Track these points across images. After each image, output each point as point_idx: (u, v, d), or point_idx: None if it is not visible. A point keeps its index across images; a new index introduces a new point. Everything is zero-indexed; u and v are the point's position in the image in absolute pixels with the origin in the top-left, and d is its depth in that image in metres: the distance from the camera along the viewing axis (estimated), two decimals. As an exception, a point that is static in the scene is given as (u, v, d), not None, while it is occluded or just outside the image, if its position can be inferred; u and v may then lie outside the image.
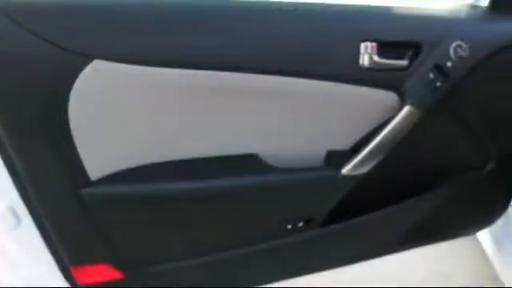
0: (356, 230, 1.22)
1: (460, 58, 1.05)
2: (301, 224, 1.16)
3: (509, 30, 1.12)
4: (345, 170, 1.09)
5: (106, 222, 1.04)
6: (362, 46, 1.00)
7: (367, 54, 1.00)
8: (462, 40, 1.06)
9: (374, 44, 1.00)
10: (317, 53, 0.99)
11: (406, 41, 1.05)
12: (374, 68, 1.01)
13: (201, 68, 0.93)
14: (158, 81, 0.92)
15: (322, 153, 1.12)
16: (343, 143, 1.12)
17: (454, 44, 1.05)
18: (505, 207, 1.42)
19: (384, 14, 1.07)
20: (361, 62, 1.00)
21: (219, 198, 1.07)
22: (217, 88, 0.96)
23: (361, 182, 1.13)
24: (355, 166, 1.09)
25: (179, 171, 1.03)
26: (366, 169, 1.10)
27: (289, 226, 1.16)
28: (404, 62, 1.04)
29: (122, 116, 0.94)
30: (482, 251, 1.68)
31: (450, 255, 1.93)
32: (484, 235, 1.64)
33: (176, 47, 0.92)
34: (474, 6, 1.16)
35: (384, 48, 1.02)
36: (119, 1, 0.91)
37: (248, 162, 1.05)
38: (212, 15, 0.95)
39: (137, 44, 0.90)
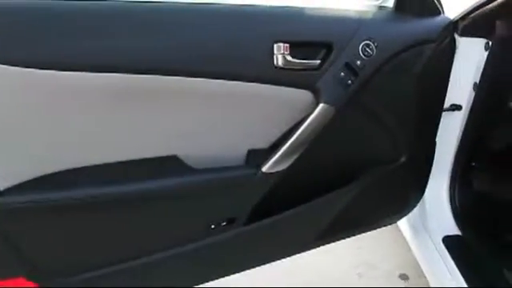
0: (279, 227, 1.25)
1: (368, 56, 1.11)
2: (224, 223, 1.17)
3: (412, 30, 1.19)
4: (264, 168, 1.11)
5: (17, 234, 0.99)
6: (275, 46, 1.02)
7: (280, 55, 1.02)
8: (369, 39, 1.11)
9: (287, 44, 1.03)
10: (231, 54, 1.00)
11: (317, 41, 1.09)
12: (287, 68, 1.04)
13: (113, 71, 0.91)
14: (69, 85, 0.89)
15: (243, 152, 1.13)
16: (263, 142, 1.14)
17: (363, 43, 1.11)
18: (420, 196, 1.51)
19: (296, 15, 1.10)
20: (275, 62, 1.03)
21: (139, 202, 1.05)
22: (130, 91, 0.94)
23: (281, 179, 1.15)
24: (274, 164, 1.12)
25: (95, 176, 1.00)
26: (284, 166, 1.13)
27: (212, 226, 1.16)
28: (316, 62, 1.07)
29: (28, 122, 0.90)
30: (404, 239, 1.77)
31: (374, 245, 2.02)
32: (403, 224, 1.72)
33: (85, 50, 0.89)
34: (380, 7, 1.22)
35: (297, 48, 1.05)
36: (21, 4, 0.87)
37: (168, 164, 1.04)
38: (123, 18, 0.94)
39: (42, 48, 0.86)
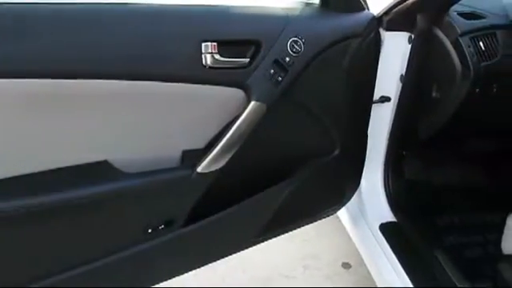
0: (218, 226, 1.24)
1: (297, 53, 1.13)
2: (162, 227, 1.15)
3: (338, 25, 1.22)
4: (200, 168, 1.11)
5: None
6: (203, 45, 1.02)
7: (208, 54, 1.02)
8: (297, 36, 1.13)
9: (215, 43, 1.03)
10: (158, 55, 0.99)
11: (245, 39, 1.09)
12: (216, 67, 1.04)
13: (36, 77, 0.87)
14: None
15: (177, 153, 1.12)
16: (197, 142, 1.13)
17: (291, 40, 1.12)
18: (356, 186, 1.56)
19: (223, 13, 1.11)
20: (203, 61, 1.02)
21: (70, 211, 1.02)
22: (54, 96, 0.90)
23: (218, 179, 1.15)
24: (209, 163, 1.11)
25: (23, 187, 0.96)
26: (220, 165, 1.13)
27: (150, 230, 1.14)
28: (246, 60, 1.08)
29: None
30: (345, 229, 1.82)
31: (318, 236, 2.07)
32: (343, 214, 1.77)
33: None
34: (306, 4, 1.25)
35: (225, 47, 1.05)
36: None
37: (98, 170, 1.02)
38: (42, 19, 0.90)
39: None
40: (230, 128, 1.11)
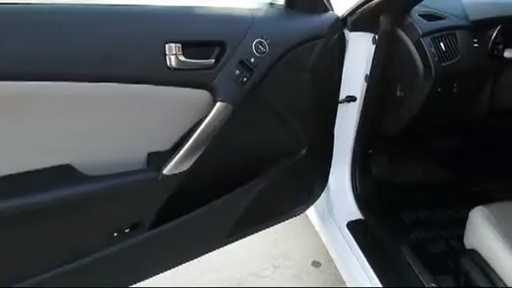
0: (187, 228, 1.24)
1: (262, 53, 1.13)
2: (128, 230, 1.14)
3: (303, 26, 1.24)
4: (166, 170, 1.10)
5: None
6: (167, 47, 1.01)
7: (173, 55, 1.01)
8: (262, 37, 1.14)
9: (179, 45, 1.02)
10: (122, 56, 0.98)
11: (210, 40, 1.09)
12: (181, 68, 1.03)
13: None
14: None
15: (143, 155, 1.11)
16: (163, 144, 1.12)
17: (256, 41, 1.13)
18: (323, 185, 1.57)
19: (187, 14, 1.10)
20: (168, 63, 1.02)
21: (33, 216, 0.99)
22: (13, 98, 0.88)
23: (185, 180, 1.15)
24: (176, 165, 1.11)
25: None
26: (186, 166, 1.12)
27: (115, 234, 1.13)
28: (211, 61, 1.08)
29: None
30: (315, 228, 1.84)
31: (288, 236, 2.08)
32: (312, 212, 1.79)
33: None
34: (271, 5, 1.25)
35: (190, 48, 1.04)
36: None
37: (61, 174, 1.00)
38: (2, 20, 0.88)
39: None
40: (196, 129, 1.10)
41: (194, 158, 1.13)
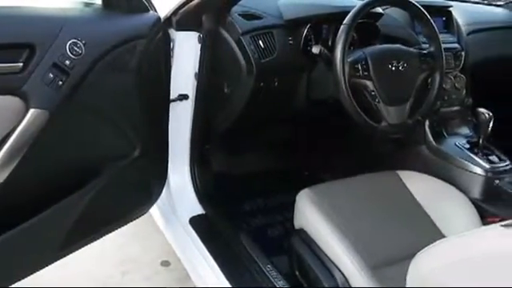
0: (10, 246, 1.14)
1: (78, 55, 1.09)
2: None
3: (121, 26, 1.22)
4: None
5: None
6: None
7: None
8: (76, 38, 1.09)
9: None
10: None
11: (16, 42, 1.02)
12: None
13: None
14: None
15: None
16: None
17: (70, 42, 1.08)
18: (162, 184, 1.57)
19: None
20: None
21: None
22: None
23: (2, 194, 1.05)
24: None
25: None
26: (2, 178, 1.04)
27: None
28: (18, 65, 1.01)
29: None
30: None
31: (133, 239, 2.04)
32: (155, 212, 1.78)
33: None
34: (87, 5, 1.21)
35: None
36: None
37: None
38: None
39: None
40: (8, 139, 1.02)
41: (8, 171, 1.04)
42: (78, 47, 1.09)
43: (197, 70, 1.53)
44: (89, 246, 1.42)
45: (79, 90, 1.11)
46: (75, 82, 1.09)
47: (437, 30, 1.45)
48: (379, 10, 1.62)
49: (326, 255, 1.27)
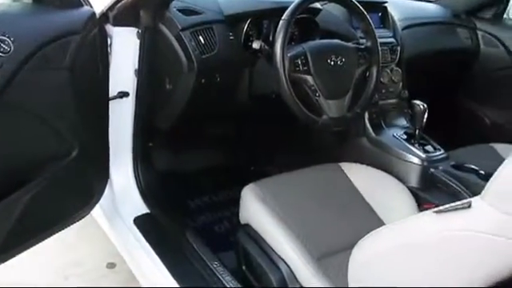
0: None
1: (6, 52, 1.04)
2: None
3: (53, 22, 1.17)
4: None
5: None
6: None
7: None
8: (4, 35, 1.04)
9: None
10: None
11: None
12: None
13: None
14: None
15: None
16: None
17: None
18: (103, 184, 1.52)
19: None
20: None
21: None
22: None
23: None
24: None
25: None
26: None
27: None
28: None
29: None
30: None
31: (78, 241, 1.97)
32: (99, 214, 1.73)
33: None
34: (15, 0, 1.16)
35: None
36: None
37: None
38: None
39: None
40: None
41: None
42: (6, 44, 1.04)
43: (137, 67, 1.50)
44: (29, 250, 1.37)
45: (8, 88, 1.06)
46: (4, 80, 1.04)
47: (373, 26, 1.50)
48: (318, 5, 1.64)
49: (271, 249, 1.28)
